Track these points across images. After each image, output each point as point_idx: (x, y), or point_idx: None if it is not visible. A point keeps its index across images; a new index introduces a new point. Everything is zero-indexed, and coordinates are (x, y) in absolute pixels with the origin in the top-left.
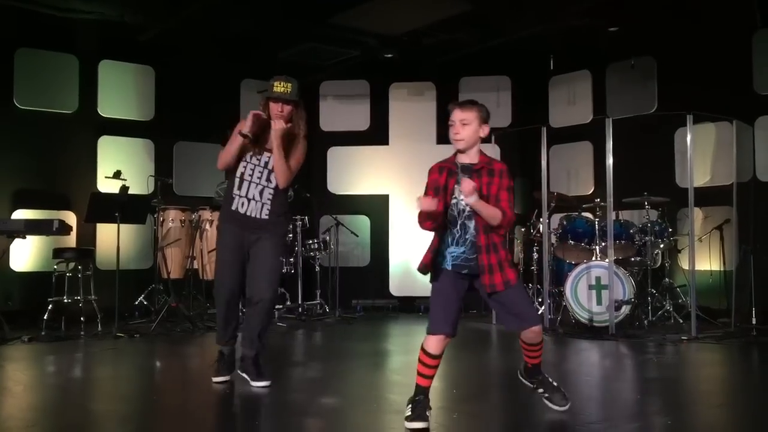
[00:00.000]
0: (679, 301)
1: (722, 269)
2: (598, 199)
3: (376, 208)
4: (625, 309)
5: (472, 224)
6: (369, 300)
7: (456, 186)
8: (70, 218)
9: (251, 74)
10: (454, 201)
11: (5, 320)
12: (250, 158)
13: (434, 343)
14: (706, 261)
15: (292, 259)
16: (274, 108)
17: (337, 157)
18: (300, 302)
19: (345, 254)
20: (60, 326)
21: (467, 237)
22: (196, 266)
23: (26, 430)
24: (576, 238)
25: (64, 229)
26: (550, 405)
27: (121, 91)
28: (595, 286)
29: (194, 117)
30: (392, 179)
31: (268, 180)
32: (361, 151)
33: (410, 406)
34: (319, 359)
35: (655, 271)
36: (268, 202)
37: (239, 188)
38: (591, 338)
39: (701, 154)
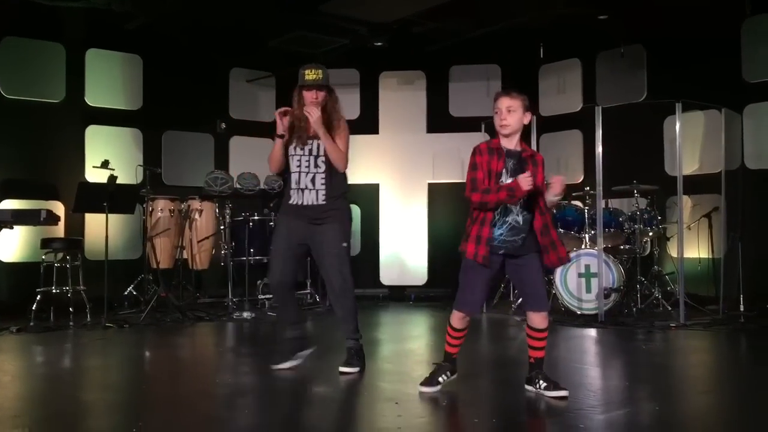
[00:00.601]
0: (668, 288)
1: (711, 257)
2: (588, 188)
3: (367, 197)
4: (615, 297)
5: (515, 207)
6: (359, 289)
7: (504, 170)
8: (58, 208)
9: (240, 63)
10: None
11: None
12: (295, 150)
13: (458, 319)
14: (695, 249)
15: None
16: (308, 96)
17: None
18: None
19: None
20: (49, 317)
21: (507, 219)
22: (185, 256)
23: (14, 420)
24: (566, 227)
25: (51, 219)
26: (551, 394)
27: (108, 80)
28: (584, 274)
29: (183, 106)
30: (382, 168)
31: (316, 165)
32: (351, 140)
33: (431, 370)
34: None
35: (644, 258)
36: (322, 187)
37: (291, 182)
38: (580, 326)
39: (690, 142)
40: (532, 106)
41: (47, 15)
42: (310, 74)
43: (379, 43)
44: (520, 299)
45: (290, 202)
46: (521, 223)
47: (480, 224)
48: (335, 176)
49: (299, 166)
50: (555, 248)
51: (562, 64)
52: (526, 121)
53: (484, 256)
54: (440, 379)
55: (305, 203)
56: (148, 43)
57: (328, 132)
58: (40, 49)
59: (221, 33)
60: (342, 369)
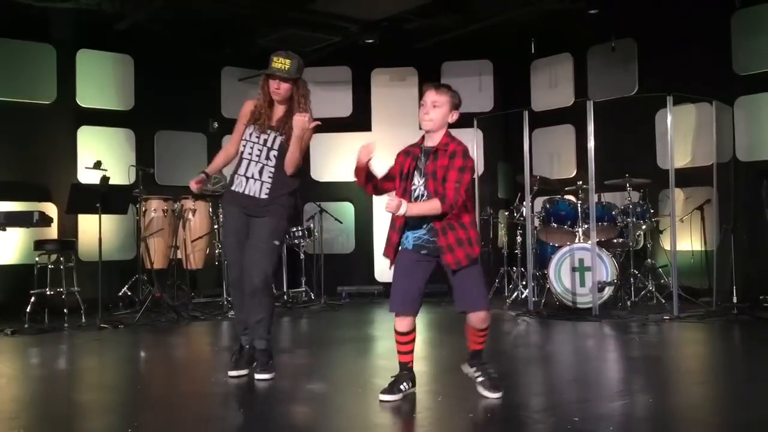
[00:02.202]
0: (661, 281)
1: (703, 249)
2: (581, 182)
3: (360, 194)
4: (608, 290)
5: None
6: (354, 286)
7: (415, 170)
8: (51, 210)
9: (231, 62)
10: (413, 187)
11: None
12: (250, 136)
13: (399, 322)
14: (688, 241)
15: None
16: (272, 85)
17: (319, 144)
18: (285, 290)
19: (329, 241)
20: (43, 318)
21: (427, 220)
22: (179, 256)
23: (9, 422)
24: (559, 221)
25: (44, 220)
26: (481, 390)
27: (99, 81)
28: (578, 268)
29: (175, 106)
30: (375, 165)
31: (268, 158)
32: (344, 138)
33: (390, 381)
34: (305, 346)
35: (637, 252)
36: (269, 180)
37: (239, 168)
38: (575, 320)
39: (682, 136)
40: (460, 105)
41: (37, 16)
42: (277, 63)
43: (371, 40)
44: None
45: (232, 188)
46: (432, 224)
47: (391, 227)
48: (282, 173)
49: (251, 153)
50: (453, 249)
51: (554, 58)
52: (451, 120)
53: (386, 256)
54: (401, 387)
55: (247, 192)
56: (138, 42)
57: (286, 129)
58: (30, 50)
59: (212, 32)
60: (260, 376)
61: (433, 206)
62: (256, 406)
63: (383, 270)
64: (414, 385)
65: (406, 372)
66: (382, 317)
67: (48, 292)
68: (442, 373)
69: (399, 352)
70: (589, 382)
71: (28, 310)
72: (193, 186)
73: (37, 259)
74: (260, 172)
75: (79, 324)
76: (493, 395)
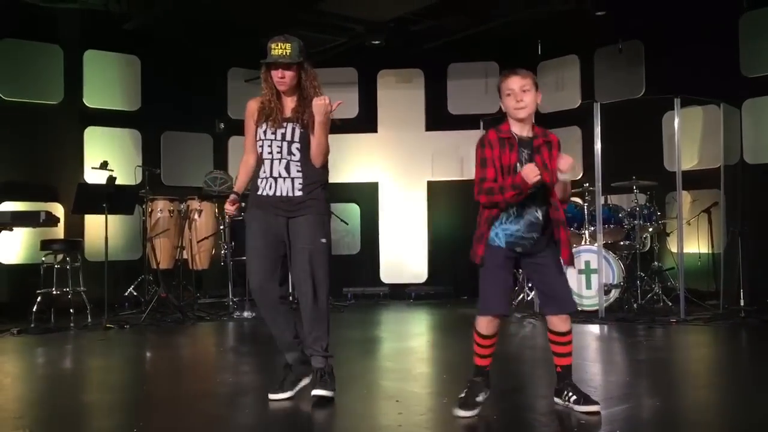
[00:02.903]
0: (668, 284)
1: (710, 252)
2: (587, 184)
3: (366, 195)
4: (615, 293)
5: (534, 201)
6: (360, 288)
7: (518, 163)
8: (58, 210)
9: (238, 63)
10: None
11: None
12: (265, 134)
13: (485, 324)
14: (695, 244)
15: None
16: (274, 75)
17: None
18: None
19: (335, 242)
20: (49, 318)
21: (524, 214)
22: (185, 256)
23: (15, 421)
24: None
25: (51, 220)
26: (581, 409)
27: (106, 81)
28: (584, 271)
29: (181, 106)
30: (381, 167)
31: (290, 153)
32: (350, 139)
33: (466, 389)
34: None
35: (643, 254)
36: (299, 175)
37: (262, 170)
38: (581, 322)
39: (689, 138)
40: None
41: (44, 17)
42: (277, 48)
43: (377, 42)
44: (538, 299)
45: (260, 193)
46: (540, 218)
47: (486, 224)
48: (310, 165)
49: (270, 152)
50: (568, 245)
51: (561, 60)
52: (539, 101)
53: (481, 257)
54: (478, 399)
55: (279, 194)
56: (145, 43)
57: (303, 117)
58: (37, 51)
59: (219, 33)
60: (318, 392)
61: (565, 190)
62: (263, 407)
63: (389, 271)
64: (488, 388)
65: (481, 378)
66: (388, 318)
67: (54, 292)
68: (447, 375)
69: (479, 356)
70: (596, 385)
71: (34, 309)
72: (231, 209)
73: (43, 258)
74: (287, 169)
75: (85, 324)
76: (593, 408)
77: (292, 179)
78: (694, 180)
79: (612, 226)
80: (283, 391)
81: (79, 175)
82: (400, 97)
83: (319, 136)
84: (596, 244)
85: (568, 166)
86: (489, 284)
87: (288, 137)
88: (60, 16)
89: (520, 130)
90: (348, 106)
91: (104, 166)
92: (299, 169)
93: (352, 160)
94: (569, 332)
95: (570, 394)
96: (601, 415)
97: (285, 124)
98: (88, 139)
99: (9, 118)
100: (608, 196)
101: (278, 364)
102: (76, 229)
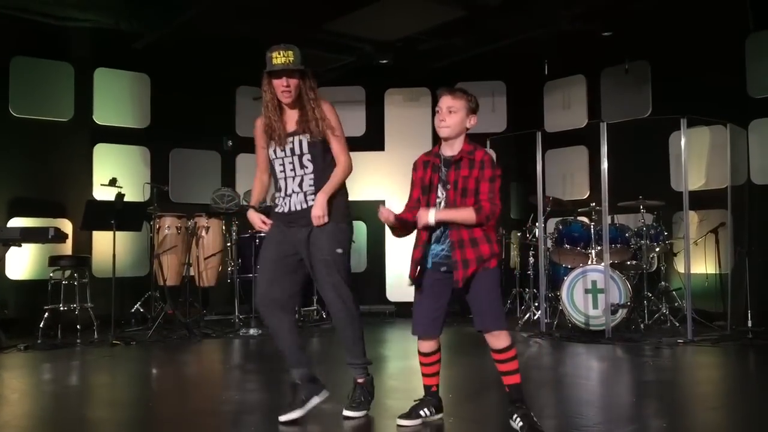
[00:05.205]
0: (675, 304)
1: (718, 272)
2: (594, 203)
3: (373, 214)
4: (622, 313)
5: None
6: (366, 306)
7: (439, 184)
8: (66, 226)
9: (246, 81)
10: (438, 199)
11: (1, 328)
12: (275, 153)
13: (422, 344)
14: (702, 264)
15: None
16: (278, 85)
17: None
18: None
19: None
20: (56, 334)
21: (450, 235)
22: (192, 273)
23: None
24: (572, 242)
25: (59, 236)
26: None
27: (116, 99)
28: (591, 290)
29: (190, 124)
30: (388, 185)
31: (303, 166)
32: (357, 157)
33: (412, 404)
34: (316, 365)
35: (650, 274)
36: (311, 188)
37: (279, 189)
38: (587, 342)
39: (696, 158)
40: (477, 109)
41: (55, 35)
42: (278, 57)
43: (385, 61)
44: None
45: (277, 210)
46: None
47: (417, 244)
48: (326, 174)
49: (283, 170)
50: (478, 264)
51: (567, 80)
52: (469, 125)
53: (411, 278)
54: (421, 413)
55: (292, 209)
56: (155, 61)
57: (309, 126)
58: (48, 68)
59: (228, 51)
60: (348, 413)
61: (466, 215)
62: (268, 425)
63: (395, 289)
64: (438, 411)
65: (429, 397)
66: (394, 337)
67: (61, 308)
68: (453, 394)
69: (423, 375)
70: (603, 406)
71: (41, 325)
72: (264, 228)
73: (51, 274)
74: (300, 185)
75: (92, 340)
76: None
77: (305, 193)
78: (701, 200)
79: (619, 245)
80: (292, 410)
81: (88, 191)
82: (408, 115)
83: (332, 187)
84: (603, 264)
85: (422, 221)
86: (416, 305)
87: (297, 151)
88: (71, 34)
89: (447, 149)
90: (355, 124)
91: (113, 182)
92: (312, 182)
93: (359, 179)
94: (507, 349)
95: (518, 419)
96: None
97: (290, 139)
98: (98, 155)
99: (20, 134)
100: (615, 216)
101: (284, 382)
102: (84, 245)
